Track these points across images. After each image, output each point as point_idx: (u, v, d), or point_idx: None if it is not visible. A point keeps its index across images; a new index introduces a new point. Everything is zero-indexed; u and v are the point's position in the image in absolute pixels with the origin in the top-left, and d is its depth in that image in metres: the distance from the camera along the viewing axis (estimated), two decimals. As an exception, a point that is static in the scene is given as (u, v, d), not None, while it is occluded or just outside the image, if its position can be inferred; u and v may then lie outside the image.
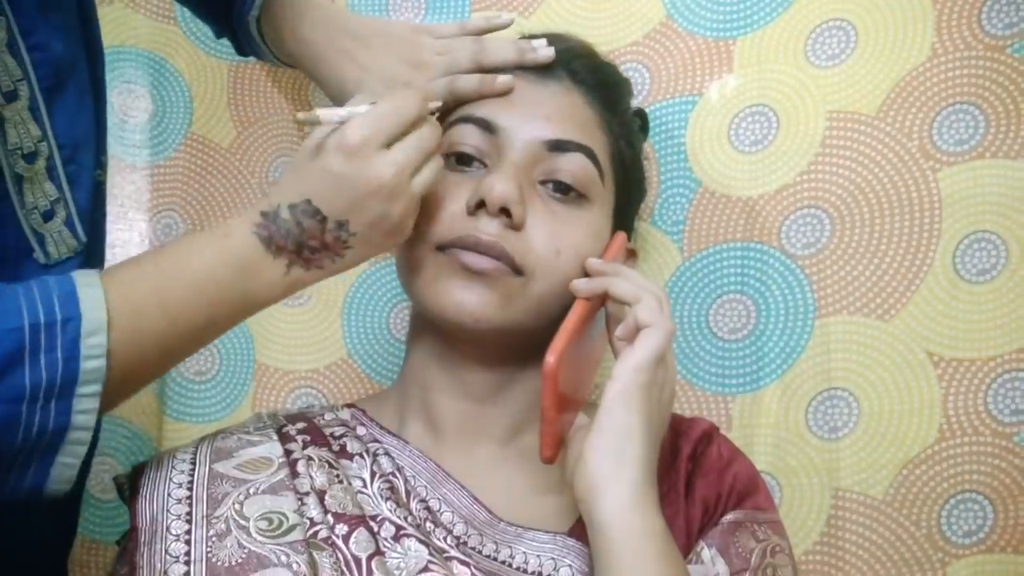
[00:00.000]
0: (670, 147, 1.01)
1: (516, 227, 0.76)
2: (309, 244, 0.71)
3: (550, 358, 0.68)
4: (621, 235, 0.82)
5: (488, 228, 0.75)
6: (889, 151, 0.94)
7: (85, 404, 0.64)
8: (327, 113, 0.71)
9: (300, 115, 0.70)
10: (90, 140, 0.77)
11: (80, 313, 0.63)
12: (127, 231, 1.12)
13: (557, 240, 0.77)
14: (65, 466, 0.65)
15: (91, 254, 0.78)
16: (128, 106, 1.11)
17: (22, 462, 0.64)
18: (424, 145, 0.73)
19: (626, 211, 0.87)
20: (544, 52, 0.83)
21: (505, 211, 0.75)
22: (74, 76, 0.75)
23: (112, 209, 1.09)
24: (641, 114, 0.94)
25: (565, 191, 0.79)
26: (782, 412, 0.96)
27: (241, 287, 0.70)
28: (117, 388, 0.66)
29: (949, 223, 0.92)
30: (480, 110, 0.81)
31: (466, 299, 0.75)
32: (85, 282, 0.65)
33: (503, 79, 0.81)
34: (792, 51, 0.98)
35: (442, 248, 0.76)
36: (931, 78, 0.93)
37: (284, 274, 0.71)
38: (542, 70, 0.83)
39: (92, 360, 0.63)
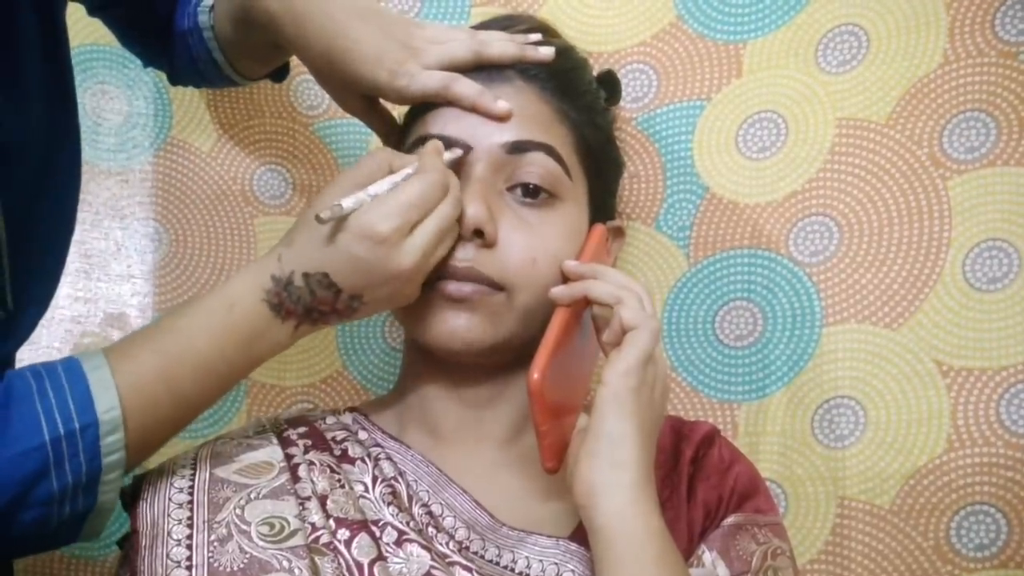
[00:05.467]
0: (677, 152, 1.00)
1: (489, 245, 0.76)
2: (319, 308, 0.73)
3: (534, 375, 0.67)
4: (597, 229, 0.81)
5: (463, 254, 0.76)
6: (899, 159, 0.94)
7: (109, 487, 0.68)
8: (350, 202, 0.70)
9: (323, 214, 0.69)
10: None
11: (97, 419, 0.66)
12: (102, 240, 1.08)
13: (532, 249, 0.76)
14: (93, 526, 0.70)
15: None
16: (102, 108, 1.08)
17: (51, 537, 0.69)
18: (443, 226, 0.74)
19: (604, 196, 0.86)
20: (545, 51, 0.82)
21: (478, 232, 0.75)
22: None
23: (87, 217, 1.07)
24: (607, 79, 0.93)
25: (534, 194, 0.78)
26: (788, 420, 0.95)
27: (249, 353, 0.73)
28: (133, 461, 0.70)
29: (959, 231, 0.91)
30: (435, 127, 0.79)
31: (454, 327, 0.76)
32: (97, 379, 0.67)
33: (503, 105, 0.78)
34: (803, 56, 0.98)
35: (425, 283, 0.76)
36: (942, 85, 0.93)
37: (291, 334, 0.74)
38: (491, 71, 0.81)
39: (112, 455, 0.67)
